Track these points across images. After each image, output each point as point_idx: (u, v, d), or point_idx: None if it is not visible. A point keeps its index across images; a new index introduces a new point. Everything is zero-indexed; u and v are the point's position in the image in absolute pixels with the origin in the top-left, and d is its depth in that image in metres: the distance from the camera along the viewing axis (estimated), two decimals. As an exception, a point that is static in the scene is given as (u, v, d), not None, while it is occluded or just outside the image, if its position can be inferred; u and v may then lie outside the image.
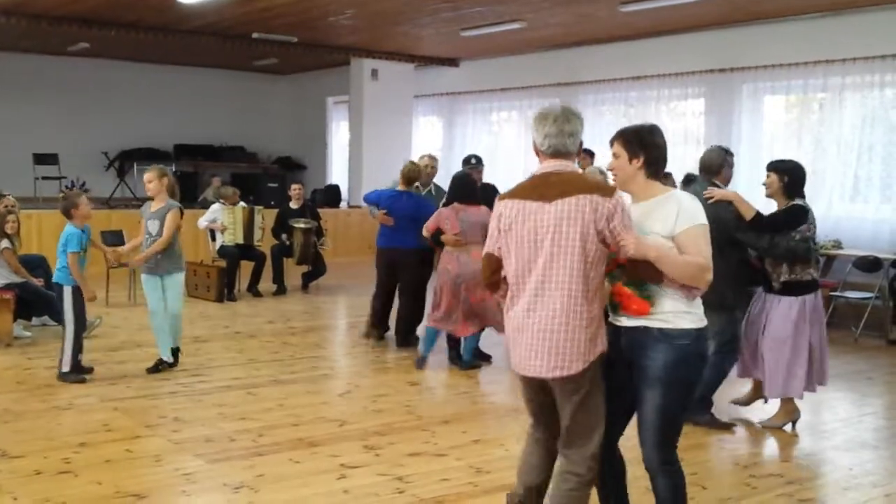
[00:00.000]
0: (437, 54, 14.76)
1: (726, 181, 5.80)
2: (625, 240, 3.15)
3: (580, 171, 3.50)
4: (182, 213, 6.63)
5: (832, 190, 10.04)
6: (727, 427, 5.65)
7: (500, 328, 6.68)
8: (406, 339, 7.70)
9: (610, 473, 3.59)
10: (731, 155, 5.89)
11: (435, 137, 16.01)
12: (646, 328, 3.26)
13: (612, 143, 3.48)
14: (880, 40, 9.50)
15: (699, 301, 3.34)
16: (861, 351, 8.30)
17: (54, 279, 6.48)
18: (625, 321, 3.31)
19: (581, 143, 3.48)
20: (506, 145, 14.44)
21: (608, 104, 12.67)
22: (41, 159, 14.93)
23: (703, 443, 5.34)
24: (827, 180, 10.08)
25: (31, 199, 13.24)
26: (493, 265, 3.44)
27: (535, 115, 3.42)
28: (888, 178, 9.69)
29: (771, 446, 5.43)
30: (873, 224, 9.64)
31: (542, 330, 3.24)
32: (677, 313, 3.25)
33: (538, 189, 3.31)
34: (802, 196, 5.50)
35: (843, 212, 9.92)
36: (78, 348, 6.34)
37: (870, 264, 8.86)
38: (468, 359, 7.07)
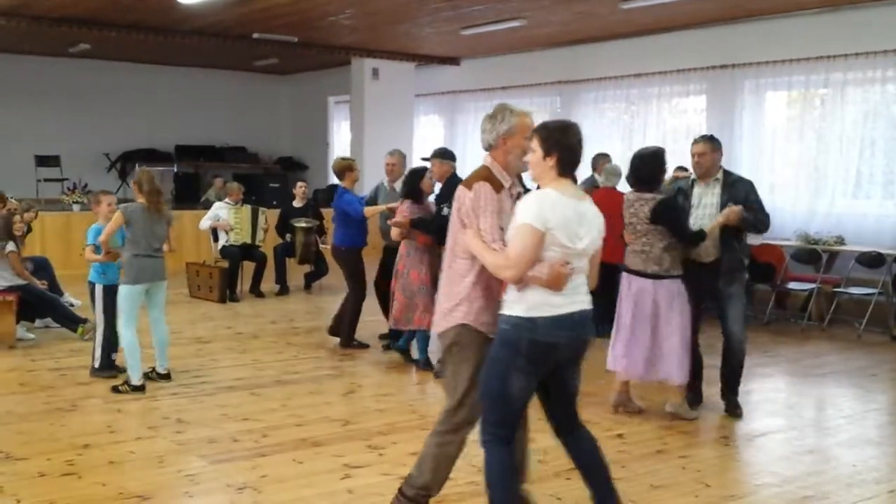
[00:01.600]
0: (438, 53, 14.75)
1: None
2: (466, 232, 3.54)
3: (487, 164, 3.69)
4: (124, 214, 6.02)
5: (835, 186, 10.02)
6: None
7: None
8: (346, 338, 7.66)
9: (577, 456, 3.67)
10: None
11: (436, 136, 15.99)
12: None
13: (532, 133, 3.55)
14: (882, 36, 9.48)
15: (539, 292, 3.37)
16: (864, 347, 8.27)
17: (88, 278, 6.49)
18: None
19: (497, 136, 3.64)
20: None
21: (609, 102, 12.65)
22: (43, 161, 14.96)
23: (706, 440, 5.33)
24: (829, 176, 10.07)
25: (33, 202, 13.21)
26: None
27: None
28: (890, 173, 9.66)
29: (774, 443, 5.41)
30: (876, 220, 9.61)
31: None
32: (508, 300, 3.46)
33: None
34: (642, 186, 5.53)
35: (846, 208, 9.90)
36: (109, 346, 6.37)
37: (873, 260, 8.83)
38: (401, 346, 7.17)
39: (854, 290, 9.02)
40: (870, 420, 5.92)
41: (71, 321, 7.74)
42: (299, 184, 11.22)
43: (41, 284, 7.92)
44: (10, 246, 7.63)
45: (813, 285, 9.13)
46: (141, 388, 6.06)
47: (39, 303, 7.80)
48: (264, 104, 18.74)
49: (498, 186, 3.57)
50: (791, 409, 6.21)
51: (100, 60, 16.25)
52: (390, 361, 7.26)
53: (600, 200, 3.92)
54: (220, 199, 11.33)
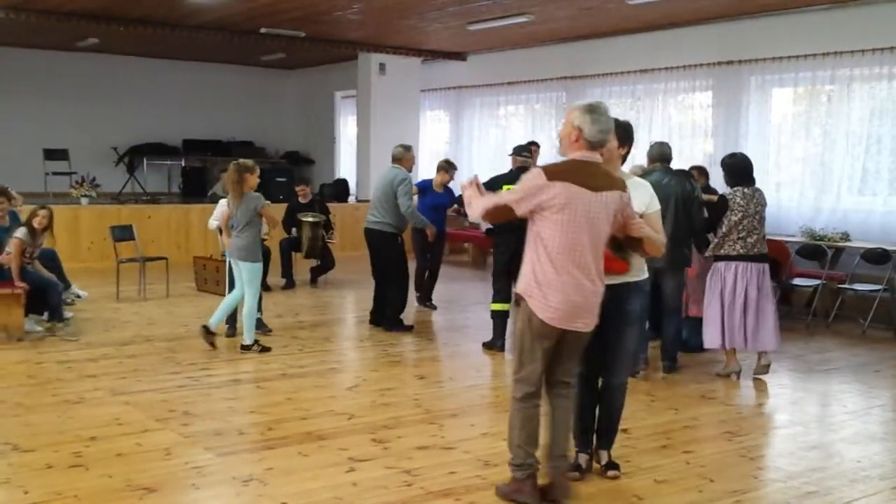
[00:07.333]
0: (444, 48, 14.75)
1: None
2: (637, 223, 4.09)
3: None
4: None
5: (840, 182, 10.01)
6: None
7: None
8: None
9: (590, 405, 4.52)
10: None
11: (442, 131, 16.01)
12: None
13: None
14: (888, 32, 9.45)
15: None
16: (869, 343, 8.28)
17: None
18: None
19: None
20: (513, 139, 14.40)
21: (615, 97, 12.64)
22: (51, 155, 15.00)
23: (710, 436, 5.34)
24: (835, 172, 10.06)
25: (41, 195, 13.29)
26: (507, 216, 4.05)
27: (585, 107, 3.93)
28: (896, 170, 9.65)
29: (779, 438, 5.43)
30: (882, 216, 9.60)
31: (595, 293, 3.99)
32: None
33: (582, 177, 3.86)
34: (751, 182, 6.64)
35: (852, 204, 9.90)
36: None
37: (878, 256, 8.83)
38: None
39: (859, 287, 9.02)
40: (874, 416, 5.92)
41: (53, 311, 7.70)
42: (299, 188, 11.13)
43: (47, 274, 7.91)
44: (19, 233, 7.61)
45: (818, 281, 9.14)
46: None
47: (39, 286, 7.70)
48: (271, 99, 18.77)
49: None
50: (795, 404, 6.22)
51: (108, 55, 16.30)
52: (396, 355, 7.30)
53: None
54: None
